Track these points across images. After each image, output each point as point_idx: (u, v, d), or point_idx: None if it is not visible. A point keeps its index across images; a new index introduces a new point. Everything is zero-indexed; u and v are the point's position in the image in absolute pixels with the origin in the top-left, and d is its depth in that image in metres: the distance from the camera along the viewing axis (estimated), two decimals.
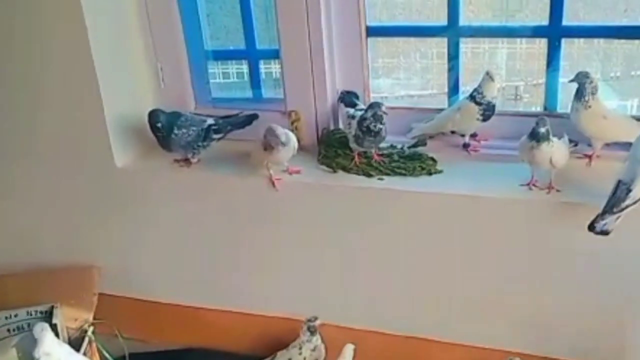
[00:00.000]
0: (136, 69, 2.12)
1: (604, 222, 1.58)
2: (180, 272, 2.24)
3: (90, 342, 2.00)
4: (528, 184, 1.79)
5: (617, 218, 1.58)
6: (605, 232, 1.59)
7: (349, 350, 1.99)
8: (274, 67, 2.21)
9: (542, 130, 1.67)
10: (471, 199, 1.80)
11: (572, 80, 1.78)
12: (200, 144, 2.00)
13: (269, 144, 1.86)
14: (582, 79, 1.76)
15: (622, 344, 1.83)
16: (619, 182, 1.59)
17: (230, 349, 2.29)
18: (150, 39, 2.11)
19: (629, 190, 1.56)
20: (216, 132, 2.02)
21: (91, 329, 2.02)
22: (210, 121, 2.02)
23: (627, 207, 1.57)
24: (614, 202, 1.57)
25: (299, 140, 1.94)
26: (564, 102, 1.92)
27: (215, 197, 2.04)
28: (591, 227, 1.60)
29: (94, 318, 2.07)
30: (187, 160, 2.05)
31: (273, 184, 1.94)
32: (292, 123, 2.05)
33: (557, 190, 1.75)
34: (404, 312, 2.04)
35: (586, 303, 1.82)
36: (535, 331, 1.92)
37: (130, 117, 2.07)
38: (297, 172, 1.97)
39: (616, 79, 2.05)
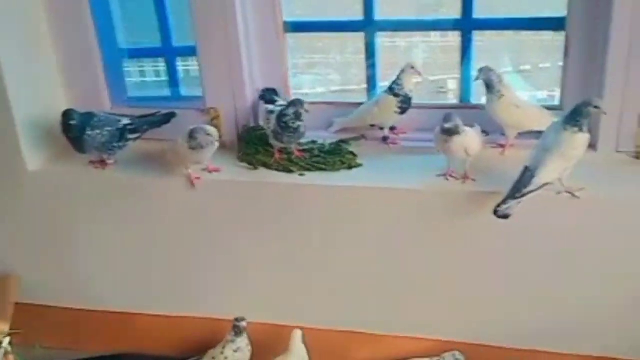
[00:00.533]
0: (47, 69, 2.10)
1: (506, 206, 1.67)
2: (103, 277, 2.24)
3: (6, 353, 1.98)
4: (445, 175, 1.87)
5: (519, 203, 1.67)
6: (506, 216, 1.68)
7: (297, 335, 2.02)
8: (192, 65, 2.22)
9: (449, 126, 1.75)
10: (390, 191, 1.87)
11: (477, 78, 1.88)
12: (115, 144, 2.00)
13: (200, 144, 1.88)
14: (486, 74, 1.86)
15: (553, 325, 1.93)
16: (525, 168, 1.69)
17: (160, 352, 2.29)
18: (61, 38, 2.09)
19: (532, 177, 1.66)
20: (132, 132, 2.02)
21: (7, 339, 2.00)
22: (125, 121, 2.02)
23: (529, 192, 1.66)
24: (518, 187, 1.67)
25: (219, 138, 1.97)
26: (481, 92, 2.00)
27: (134, 199, 2.05)
28: (495, 212, 1.68)
29: (12, 328, 2.05)
30: (102, 162, 2.05)
31: (192, 183, 1.97)
32: (212, 120, 2.07)
33: (472, 180, 1.84)
34: (333, 307, 2.09)
35: (506, 287, 1.91)
36: (468, 319, 1.99)
37: (41, 118, 2.06)
38: (217, 170, 2.00)
39: (527, 72, 2.16)
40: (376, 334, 2.10)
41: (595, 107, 1.63)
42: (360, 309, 2.07)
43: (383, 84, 2.07)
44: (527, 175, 1.68)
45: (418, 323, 2.06)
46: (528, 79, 2.15)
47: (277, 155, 2.00)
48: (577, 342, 1.93)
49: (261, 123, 2.08)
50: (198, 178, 1.97)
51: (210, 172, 1.99)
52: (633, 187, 1.76)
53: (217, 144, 1.92)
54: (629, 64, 1.76)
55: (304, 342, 2.03)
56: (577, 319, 1.90)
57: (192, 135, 1.88)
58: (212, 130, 1.90)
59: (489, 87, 1.87)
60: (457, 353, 2.01)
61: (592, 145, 1.86)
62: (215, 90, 2.06)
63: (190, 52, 2.08)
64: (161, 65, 2.30)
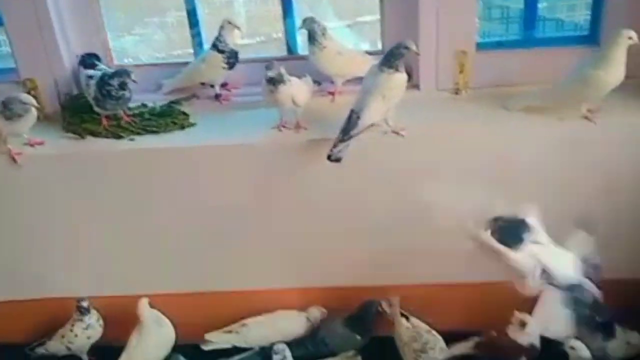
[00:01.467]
0: None
1: (337, 149, 1.75)
2: None
3: None
4: (278, 127, 1.92)
5: (348, 145, 1.75)
6: (338, 159, 1.76)
7: (142, 304, 2.01)
8: (2, 35, 2.10)
9: (271, 74, 1.80)
10: (225, 148, 1.90)
11: (301, 28, 1.95)
12: None
13: (16, 113, 1.81)
14: (310, 25, 1.93)
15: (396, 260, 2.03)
16: (351, 111, 1.77)
17: (7, 340, 2.20)
18: None
19: (358, 119, 1.75)
20: None
21: None
22: None
23: (356, 134, 1.75)
24: (346, 130, 1.75)
25: (39, 110, 1.90)
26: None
27: None
28: (329, 157, 1.76)
29: None
30: None
31: (14, 159, 1.88)
32: (29, 92, 1.98)
33: (305, 129, 1.90)
34: (185, 270, 2.10)
35: (348, 227, 1.99)
36: (310, 263, 2.06)
37: None
38: (40, 143, 1.93)
39: (350, 25, 2.24)
40: (237, 291, 2.13)
41: (406, 47, 1.74)
42: (216, 269, 2.09)
43: (207, 46, 2.08)
44: (353, 118, 1.76)
45: (275, 275, 2.11)
46: (352, 31, 2.24)
47: (104, 122, 1.96)
48: (421, 273, 2.04)
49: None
50: (19, 153, 1.89)
51: (32, 145, 1.92)
52: (450, 122, 1.90)
53: (35, 113, 1.85)
54: (439, 7, 1.90)
55: (156, 308, 2.04)
56: (416, 251, 1.99)
57: (5, 105, 1.80)
58: (26, 97, 1.83)
59: (312, 38, 1.94)
60: (321, 308, 2.10)
61: (415, 85, 2.02)
62: (29, 60, 1.99)
63: None
64: None
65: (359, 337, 2.03)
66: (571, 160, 1.84)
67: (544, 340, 1.92)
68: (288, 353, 1.85)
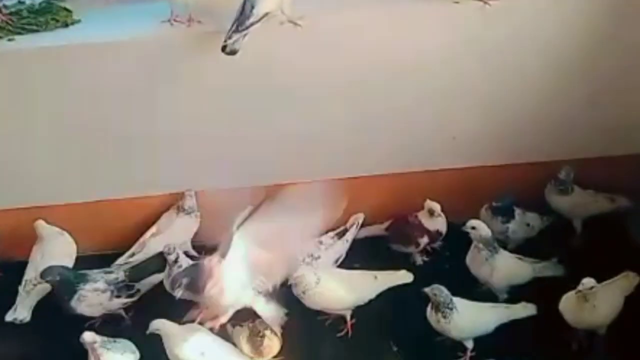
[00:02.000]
0: None
1: (232, 41, 1.70)
2: None
3: None
4: (169, 20, 1.85)
5: (244, 36, 1.71)
6: (233, 52, 1.72)
7: (39, 224, 1.97)
8: None
9: None
10: (113, 45, 1.83)
11: None
12: None
13: None
14: None
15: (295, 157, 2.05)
16: (245, 0, 1.71)
17: None
18: None
19: (253, 7, 1.70)
20: None
21: None
22: None
23: (252, 24, 1.70)
24: (241, 20, 1.70)
25: None
26: None
27: None
28: (223, 49, 1.71)
29: None
30: None
31: None
32: None
33: (198, 22, 1.84)
34: (69, 179, 2.04)
35: (246, 125, 1.98)
36: (196, 161, 2.03)
37: None
38: None
39: None
40: (126, 199, 2.10)
41: None
42: (105, 176, 2.05)
43: None
44: (247, 7, 1.71)
45: (164, 180, 2.08)
46: None
47: None
48: (316, 170, 2.01)
49: None
50: None
51: None
52: (349, 8, 1.87)
53: None
54: None
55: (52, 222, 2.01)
56: (313, 145, 2.03)
57: None
58: None
59: None
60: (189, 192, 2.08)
61: None
62: None
63: None
64: None
65: None
66: (467, 43, 1.88)
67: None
68: (180, 251, 1.86)
